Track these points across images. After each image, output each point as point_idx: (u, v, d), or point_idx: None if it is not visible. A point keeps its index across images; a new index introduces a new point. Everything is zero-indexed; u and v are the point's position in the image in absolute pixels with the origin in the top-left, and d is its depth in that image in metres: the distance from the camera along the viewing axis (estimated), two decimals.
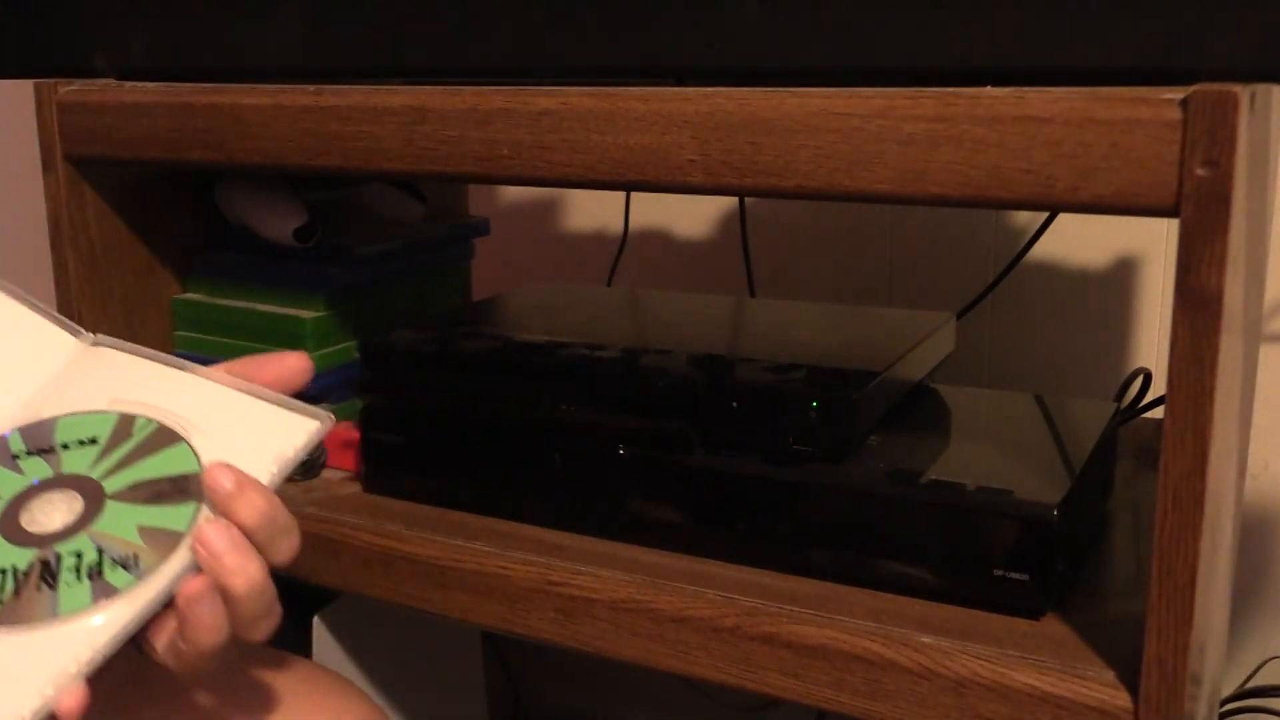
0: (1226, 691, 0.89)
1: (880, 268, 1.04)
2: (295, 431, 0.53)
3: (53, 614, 0.48)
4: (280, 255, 0.81)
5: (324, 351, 0.81)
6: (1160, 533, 0.47)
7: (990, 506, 0.56)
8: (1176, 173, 0.44)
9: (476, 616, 0.65)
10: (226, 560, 0.49)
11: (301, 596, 0.81)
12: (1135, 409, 0.82)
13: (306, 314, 0.80)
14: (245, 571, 0.49)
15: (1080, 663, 0.52)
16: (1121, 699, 0.50)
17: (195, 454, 0.52)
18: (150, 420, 0.54)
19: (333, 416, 0.53)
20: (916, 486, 0.58)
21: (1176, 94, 0.44)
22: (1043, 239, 0.88)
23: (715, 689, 0.86)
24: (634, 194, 1.07)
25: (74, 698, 0.46)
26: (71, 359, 0.57)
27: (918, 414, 0.70)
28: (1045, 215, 0.89)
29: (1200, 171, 0.44)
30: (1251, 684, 0.92)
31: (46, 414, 0.54)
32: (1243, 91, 0.43)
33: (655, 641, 0.60)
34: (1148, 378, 0.83)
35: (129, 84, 0.72)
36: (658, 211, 1.12)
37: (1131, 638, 0.50)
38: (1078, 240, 0.96)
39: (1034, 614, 0.56)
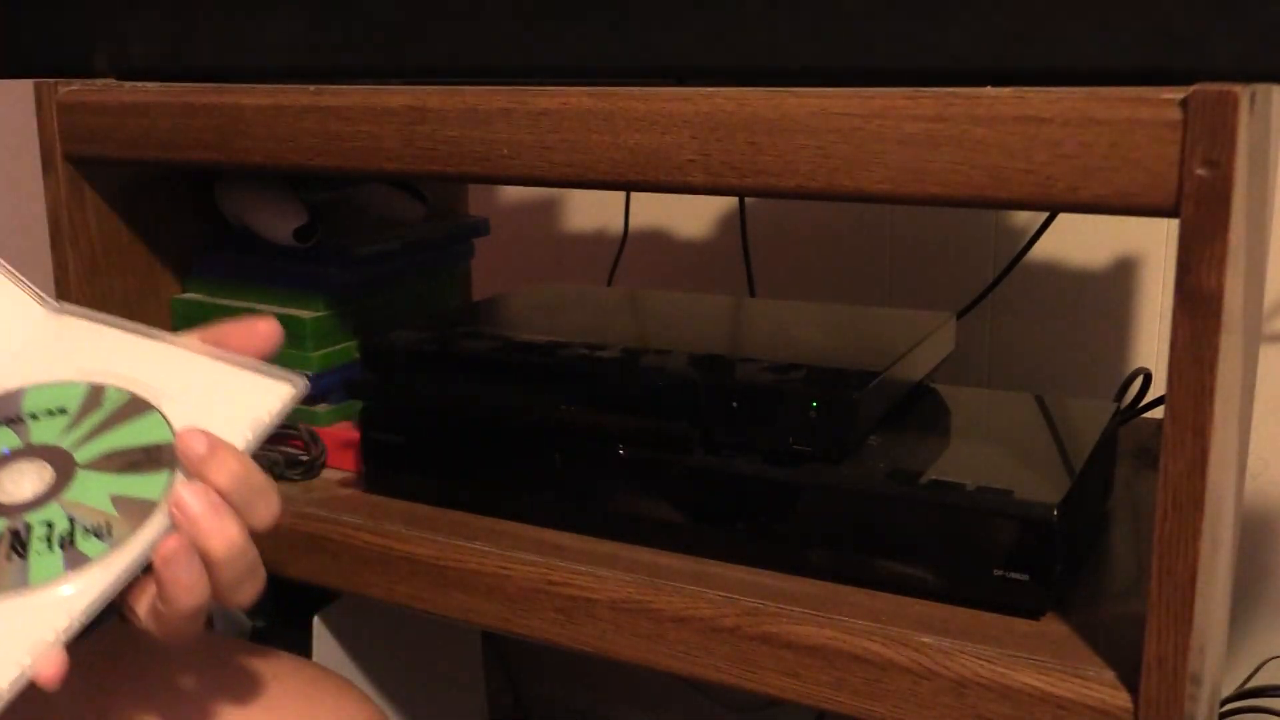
0: (1226, 691, 0.89)
1: (880, 268, 1.04)
2: (270, 396, 0.52)
3: (24, 583, 0.48)
4: (280, 255, 0.81)
5: (324, 351, 0.81)
6: (1160, 533, 0.47)
7: (990, 506, 0.56)
8: (1176, 173, 0.44)
9: (476, 616, 0.65)
10: (203, 522, 0.48)
11: (301, 596, 0.81)
12: (1135, 409, 0.82)
13: (306, 314, 0.80)
14: (223, 533, 0.48)
15: (1080, 663, 0.52)
16: (1121, 699, 0.50)
17: (168, 422, 0.52)
18: (121, 390, 0.53)
19: (306, 381, 0.53)
20: (916, 486, 0.58)
21: (1176, 94, 0.44)
22: (1043, 239, 0.88)
23: (715, 689, 0.86)
24: (634, 194, 1.07)
25: (53, 665, 0.45)
26: (39, 328, 0.56)
27: (918, 414, 0.70)
28: (1045, 215, 0.89)
29: (1200, 171, 0.44)
30: (1251, 684, 0.92)
31: (14, 384, 0.54)
32: (1243, 91, 0.43)
33: (655, 641, 0.60)
34: (1148, 378, 0.83)
35: (129, 84, 0.72)
36: (658, 211, 1.12)
37: (1131, 638, 0.50)
38: (1078, 240, 0.96)
39: (1034, 614, 0.56)
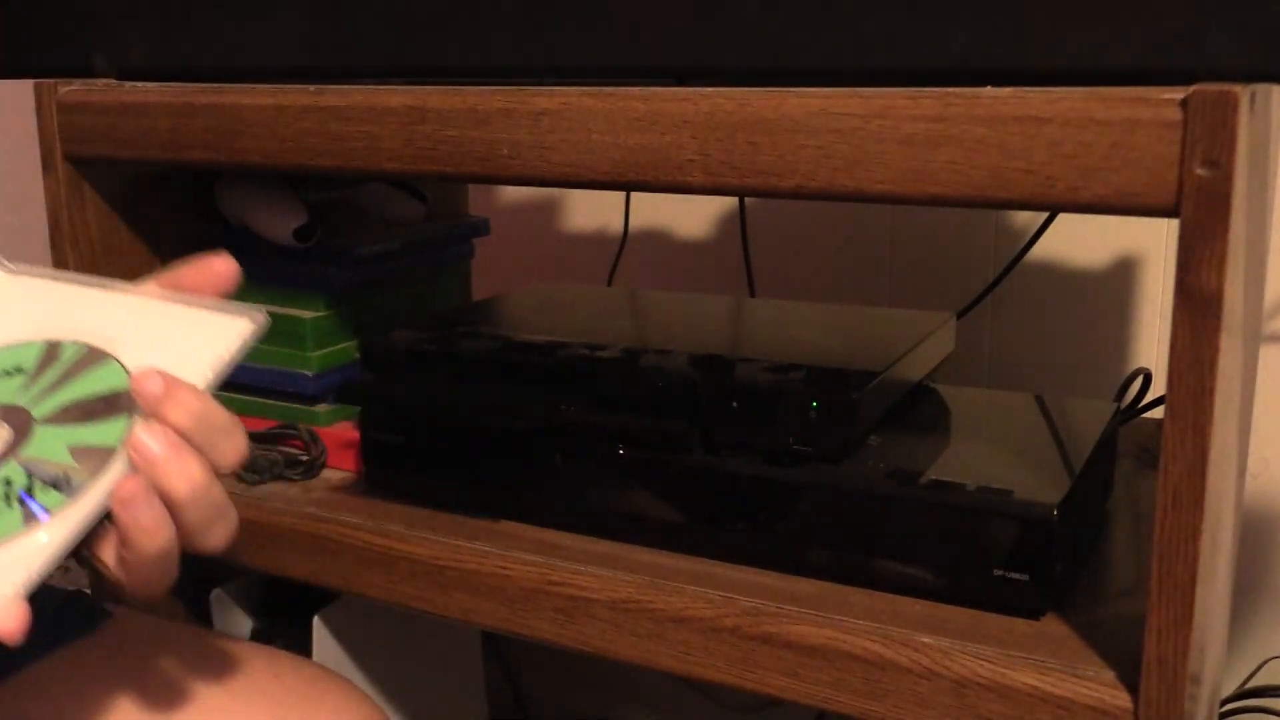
0: (1226, 691, 0.89)
1: (880, 268, 1.04)
2: (228, 333, 0.51)
3: None
4: (280, 255, 0.81)
5: (324, 351, 0.81)
6: (1160, 533, 0.47)
7: (990, 506, 0.56)
8: (1176, 173, 0.44)
9: (476, 616, 0.65)
10: (163, 463, 0.46)
11: (301, 596, 0.81)
12: (1135, 409, 0.82)
13: (306, 314, 0.80)
14: (185, 473, 0.47)
15: (1080, 663, 0.52)
16: (1121, 699, 0.50)
17: (125, 369, 0.51)
18: (78, 343, 0.52)
19: (265, 315, 0.52)
20: (916, 486, 0.58)
21: (1176, 94, 0.44)
22: (1043, 239, 0.88)
23: (715, 689, 0.86)
24: (634, 194, 1.07)
25: (15, 619, 0.44)
26: None
27: (918, 414, 0.70)
28: (1045, 215, 0.89)
29: (1200, 171, 0.44)
30: (1251, 684, 0.92)
31: None
32: (1243, 91, 0.43)
33: (655, 641, 0.60)
34: (1148, 378, 0.83)
35: (129, 84, 0.72)
36: (658, 211, 1.12)
37: (1131, 638, 0.50)
38: (1078, 240, 0.96)
39: (1034, 614, 0.56)
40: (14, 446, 0.50)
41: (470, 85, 0.60)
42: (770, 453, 0.62)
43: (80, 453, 0.49)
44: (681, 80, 0.58)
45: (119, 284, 0.54)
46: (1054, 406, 0.72)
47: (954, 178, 0.49)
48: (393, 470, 0.73)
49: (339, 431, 0.78)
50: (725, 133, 0.53)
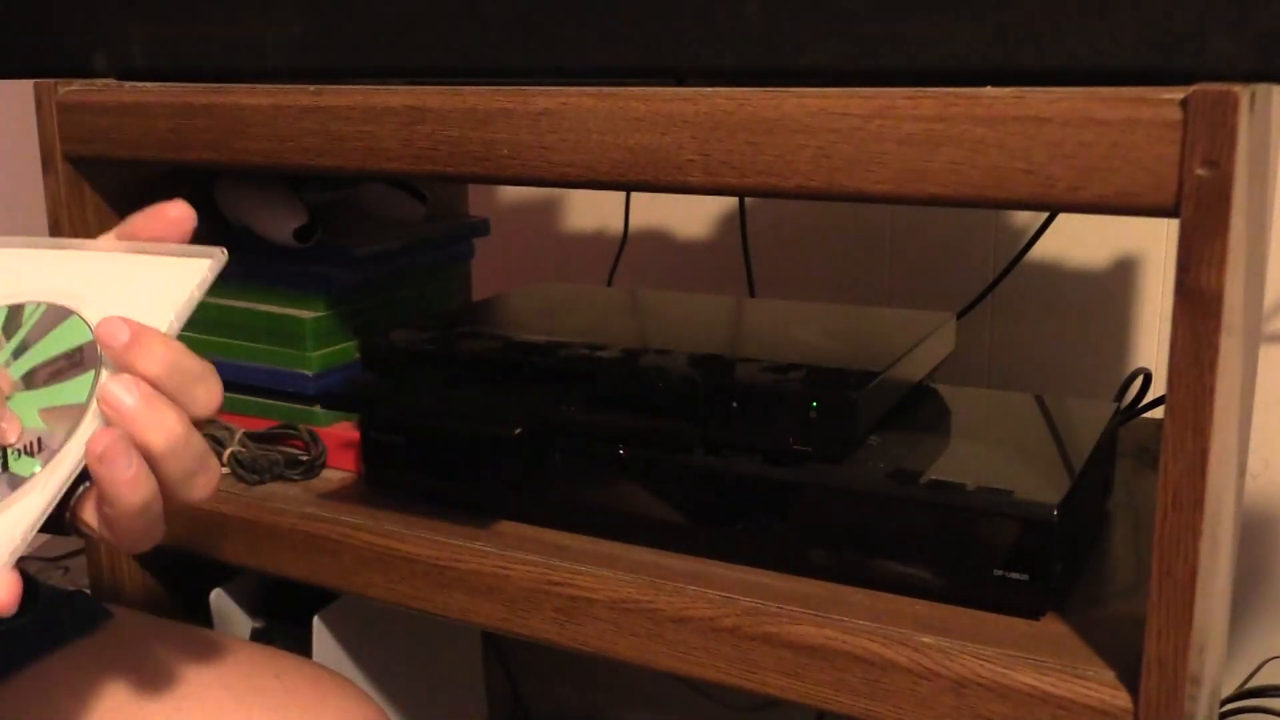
0: (1226, 691, 0.89)
1: (880, 268, 1.04)
2: (189, 275, 0.49)
3: None
4: (280, 255, 0.81)
5: (324, 351, 0.81)
6: (1160, 533, 0.47)
7: (990, 506, 0.56)
8: (1176, 173, 0.44)
9: (476, 616, 0.65)
10: (138, 416, 0.45)
11: (301, 596, 0.81)
12: (1135, 409, 0.82)
13: (306, 314, 0.80)
14: (162, 425, 0.45)
15: (1080, 663, 0.52)
16: (1121, 699, 0.50)
17: (86, 324, 0.49)
18: (37, 304, 0.51)
19: (224, 251, 0.49)
20: (916, 486, 0.58)
21: (1176, 94, 0.44)
22: (1043, 239, 0.88)
23: (715, 689, 0.86)
24: (634, 194, 1.07)
25: (6, 589, 0.42)
26: None
27: (918, 414, 0.70)
28: (1045, 215, 0.89)
29: (1200, 171, 0.44)
30: (1251, 684, 0.92)
31: None
32: (1243, 91, 0.43)
33: (655, 641, 0.60)
34: (1148, 378, 0.83)
35: (129, 84, 0.72)
36: (658, 211, 1.12)
37: (1131, 638, 0.50)
38: (1078, 240, 0.96)
39: (1034, 614, 0.56)
40: None
41: (470, 85, 0.60)
42: (770, 453, 0.62)
43: (50, 414, 0.47)
44: (681, 80, 0.58)
45: (75, 241, 0.53)
46: (1054, 406, 0.72)
47: (954, 178, 0.49)
48: (393, 470, 0.73)
49: (339, 431, 0.78)
50: (725, 133, 0.53)
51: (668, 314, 0.81)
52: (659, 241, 1.13)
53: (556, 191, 1.20)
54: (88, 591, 0.81)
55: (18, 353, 0.50)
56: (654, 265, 1.13)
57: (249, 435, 0.78)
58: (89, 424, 0.47)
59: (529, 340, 0.71)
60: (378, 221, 0.89)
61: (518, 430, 0.61)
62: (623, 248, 1.07)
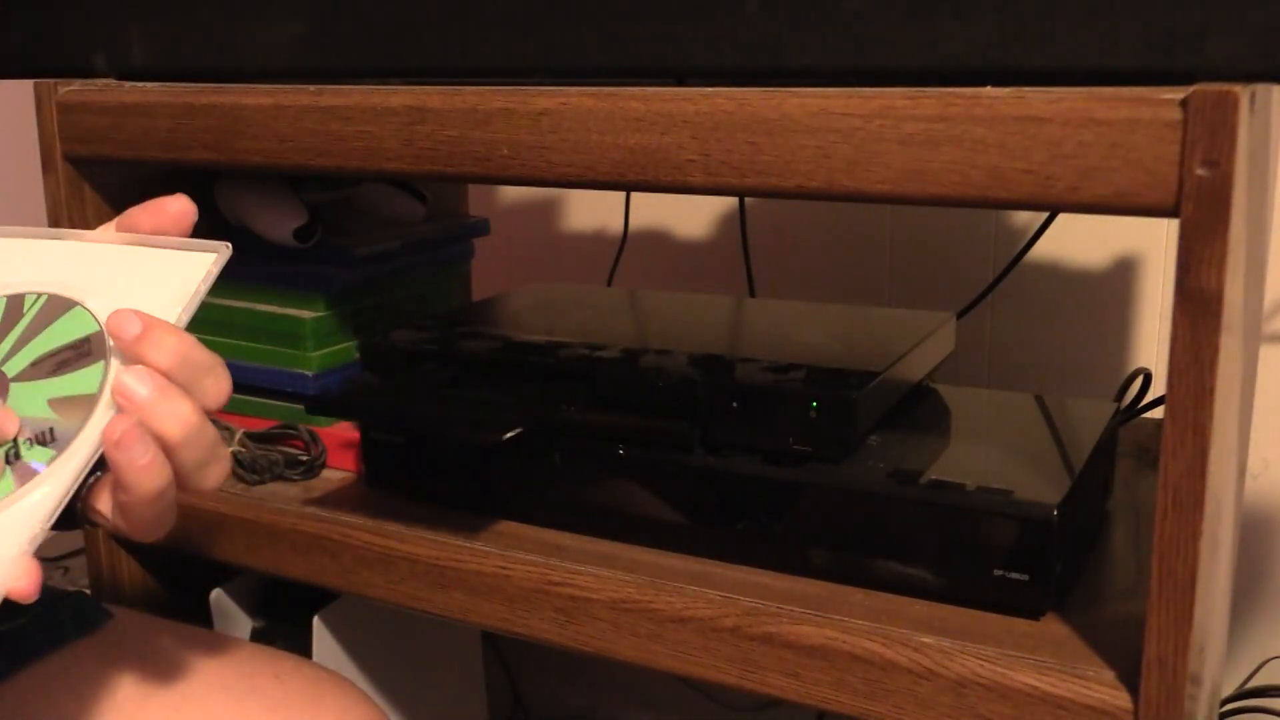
0: (1226, 691, 0.89)
1: (880, 268, 1.04)
2: (194, 268, 0.50)
3: None
4: (280, 255, 0.81)
5: (324, 351, 0.81)
6: (1160, 533, 0.47)
7: (990, 506, 0.56)
8: (1176, 173, 0.44)
9: (476, 616, 0.65)
10: (153, 406, 0.45)
11: (301, 596, 0.81)
12: (1135, 409, 0.82)
13: (306, 314, 0.80)
14: (177, 415, 0.45)
15: (1080, 663, 0.52)
16: (1121, 699, 0.50)
17: (92, 315, 0.50)
18: (39, 294, 0.51)
19: (229, 246, 0.50)
20: (916, 486, 0.58)
21: (1176, 94, 0.44)
22: (1043, 239, 0.88)
23: (715, 689, 0.86)
24: (634, 194, 1.07)
25: (27, 576, 0.43)
26: None
27: (918, 414, 0.70)
28: (1045, 215, 0.89)
29: (1200, 171, 0.44)
30: (1251, 684, 0.92)
31: None
32: (1243, 91, 0.43)
33: (655, 641, 0.60)
34: (1148, 378, 0.83)
35: (129, 84, 0.72)
36: (658, 211, 1.12)
37: (1131, 638, 0.50)
38: (1078, 240, 0.95)
39: (1034, 614, 0.56)
40: None
41: (470, 85, 0.60)
42: (770, 453, 0.62)
43: (60, 404, 0.48)
44: (681, 80, 0.58)
45: (73, 232, 0.53)
46: (1054, 406, 0.72)
47: (954, 178, 0.49)
48: (393, 470, 0.73)
49: (339, 431, 0.78)
50: (725, 133, 0.53)
51: (668, 314, 0.81)
52: (659, 241, 1.13)
53: (556, 191, 1.20)
54: (88, 591, 0.81)
55: (20, 343, 0.50)
56: (654, 265, 1.13)
57: (249, 435, 0.78)
58: (102, 414, 0.47)
59: (529, 340, 0.71)
60: (378, 221, 0.89)
61: (506, 436, 0.61)
62: (623, 248, 1.07)
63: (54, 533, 0.46)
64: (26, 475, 0.46)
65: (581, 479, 0.66)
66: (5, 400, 0.48)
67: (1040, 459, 0.62)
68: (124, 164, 0.76)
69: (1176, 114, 0.44)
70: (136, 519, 0.47)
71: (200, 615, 0.84)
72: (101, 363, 0.48)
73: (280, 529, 0.71)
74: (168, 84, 0.71)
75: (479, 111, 0.59)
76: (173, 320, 0.48)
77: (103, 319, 0.49)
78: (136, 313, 0.47)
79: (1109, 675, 0.51)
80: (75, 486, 0.46)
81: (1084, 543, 0.63)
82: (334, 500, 0.73)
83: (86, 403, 0.47)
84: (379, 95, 0.62)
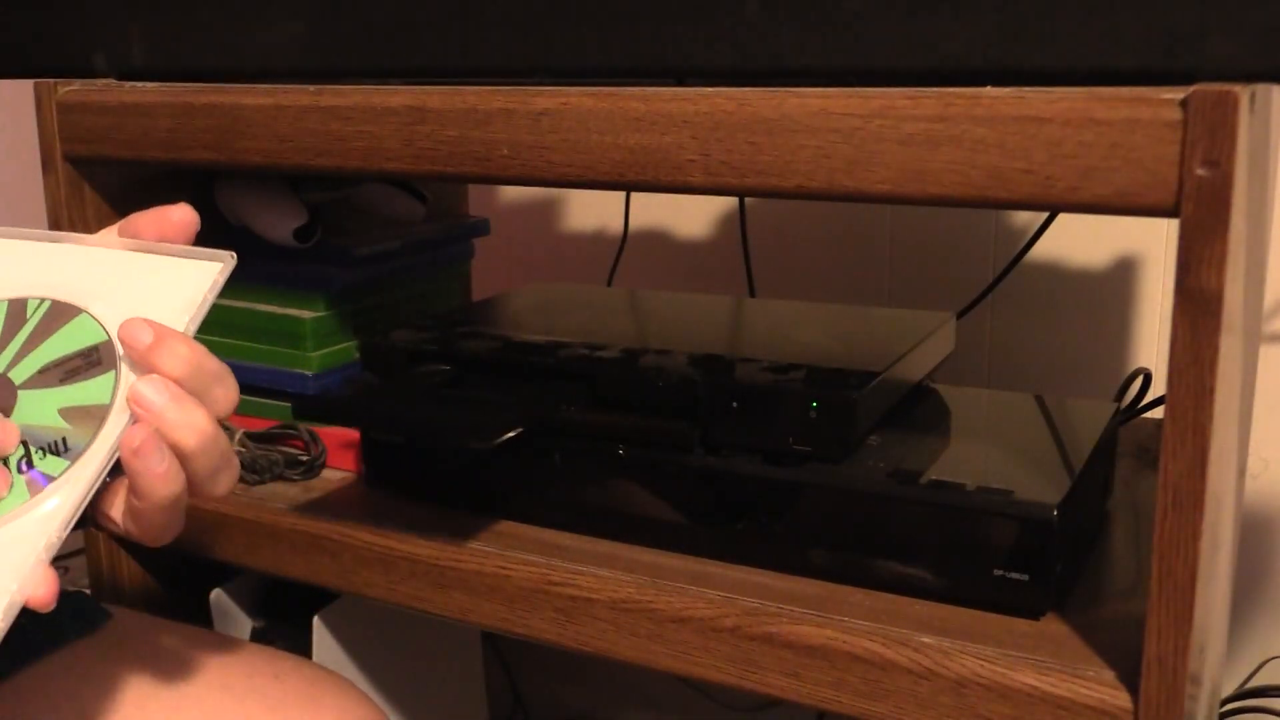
0: (1226, 691, 0.89)
1: (880, 268, 1.04)
2: (200, 277, 0.50)
3: None
4: (280, 255, 0.81)
5: (324, 351, 0.81)
6: (1160, 533, 0.47)
7: (990, 506, 0.56)
8: (1176, 173, 0.44)
9: (476, 616, 0.65)
10: (168, 415, 0.45)
11: (301, 596, 0.81)
12: (1135, 409, 0.82)
13: (306, 314, 0.80)
14: (193, 424, 0.46)
15: (1080, 663, 0.52)
16: (1121, 699, 0.50)
17: (99, 322, 0.49)
18: (42, 299, 0.51)
19: (233, 256, 0.50)
20: (916, 486, 0.58)
21: (1176, 94, 0.44)
22: (1043, 239, 0.88)
23: (715, 689, 0.86)
24: (634, 194, 1.07)
25: (44, 585, 0.43)
26: None
27: (918, 414, 0.70)
28: (1045, 215, 0.89)
29: (1200, 171, 0.44)
30: (1251, 684, 0.92)
31: None
32: (1243, 91, 0.43)
33: (655, 641, 0.60)
34: (1148, 378, 0.83)
35: (129, 84, 0.72)
36: (658, 211, 1.12)
37: (1131, 638, 0.50)
38: (1078, 240, 0.95)
39: (1034, 614, 0.56)
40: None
41: (470, 85, 0.60)
42: (770, 453, 0.62)
43: (71, 413, 0.48)
44: (681, 80, 0.58)
45: (73, 236, 0.53)
46: (1054, 406, 0.72)
47: (954, 178, 0.49)
48: (393, 470, 0.73)
49: (339, 431, 0.78)
50: (725, 133, 0.53)
51: (668, 314, 0.81)
52: (659, 241, 1.13)
53: (556, 191, 1.20)
54: (88, 591, 0.81)
55: (25, 349, 0.50)
56: (654, 265, 1.13)
57: (249, 435, 0.79)
58: (114, 424, 0.47)
59: (529, 340, 0.71)
60: (378, 221, 0.89)
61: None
62: (623, 248, 1.07)
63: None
64: (40, 485, 0.47)
65: (581, 479, 0.66)
66: (14, 408, 0.48)
67: (1040, 459, 0.62)
68: (124, 164, 0.76)
69: (1176, 114, 0.44)
70: (148, 525, 0.47)
71: (200, 615, 0.84)
72: (112, 372, 0.48)
73: (280, 529, 0.71)
74: (168, 84, 0.71)
75: (479, 111, 0.59)
76: (181, 329, 0.48)
77: (109, 326, 0.49)
78: (148, 322, 0.47)
79: (1109, 675, 0.51)
80: (89, 495, 0.46)
81: (1084, 543, 0.63)
82: (334, 500, 0.73)
83: (98, 413, 0.48)
84: (379, 95, 0.62)
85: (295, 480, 0.76)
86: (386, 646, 0.90)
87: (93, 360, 0.49)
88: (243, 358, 0.82)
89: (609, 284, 1.09)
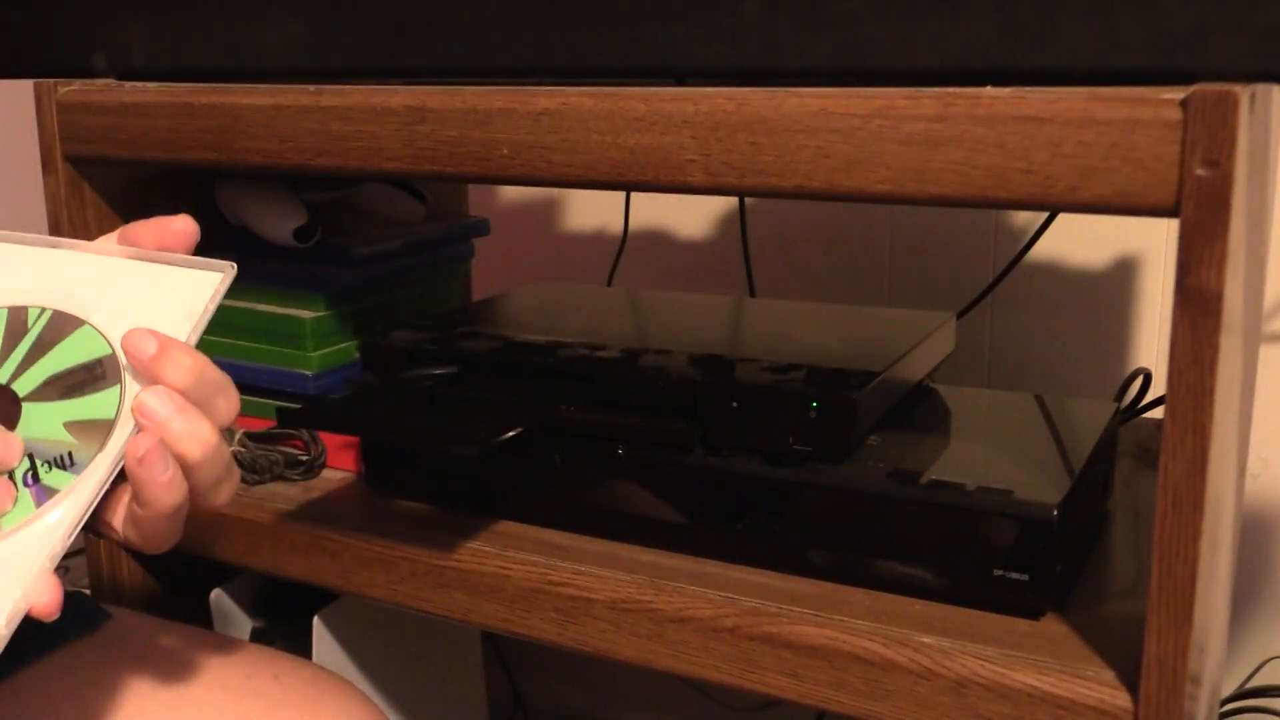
0: (1226, 691, 0.89)
1: (880, 268, 1.04)
2: (201, 287, 0.50)
3: None
4: (280, 255, 0.81)
5: (324, 351, 0.81)
6: (1160, 533, 0.47)
7: (990, 506, 0.56)
8: (1176, 173, 0.44)
9: (476, 616, 0.65)
10: (174, 425, 0.46)
11: (301, 596, 0.81)
12: (1135, 409, 0.82)
13: (306, 314, 0.80)
14: (197, 435, 0.46)
15: (1080, 663, 0.52)
16: (1121, 699, 0.50)
17: (101, 334, 0.50)
18: (43, 308, 0.50)
19: (234, 265, 0.50)
20: (916, 486, 0.58)
21: (1176, 94, 0.44)
22: (1043, 239, 0.88)
23: (715, 689, 0.86)
24: (634, 194, 1.07)
25: (50, 594, 0.44)
26: None
27: (918, 414, 0.70)
28: (1045, 215, 0.89)
29: (1200, 171, 0.44)
30: (1251, 684, 0.92)
31: None
32: (1243, 91, 0.43)
33: (655, 641, 0.60)
34: (1148, 378, 0.83)
35: (129, 84, 0.72)
36: (658, 211, 1.12)
37: (1131, 638, 0.50)
38: (1078, 240, 0.95)
39: (1034, 614, 0.56)
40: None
41: (470, 85, 0.60)
42: (770, 453, 0.62)
43: (76, 427, 0.48)
44: (681, 80, 0.58)
45: (72, 242, 0.52)
46: (1054, 406, 0.72)
47: (954, 178, 0.49)
48: (393, 470, 0.73)
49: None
50: (725, 133, 0.53)
51: (668, 314, 0.81)
52: (659, 241, 1.13)
53: (556, 191, 1.20)
54: (87, 592, 0.81)
55: (27, 360, 0.50)
56: (654, 265, 1.13)
57: (249, 435, 0.79)
58: (119, 438, 0.47)
59: (529, 340, 0.71)
60: (378, 221, 0.89)
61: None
62: (623, 248, 1.07)
63: None
64: (45, 497, 0.47)
65: (581, 479, 0.66)
66: (18, 419, 0.49)
67: (1040, 459, 0.62)
68: (124, 164, 0.76)
69: (1176, 114, 0.44)
70: (150, 533, 0.48)
71: (200, 615, 0.84)
72: (117, 386, 0.48)
73: (280, 529, 0.71)
74: (167, 84, 0.71)
75: (479, 111, 0.59)
76: (183, 339, 0.48)
77: (111, 337, 0.49)
78: (152, 333, 0.47)
79: (1109, 675, 0.51)
80: (93, 506, 0.47)
81: (1084, 543, 0.63)
82: (334, 500, 0.73)
83: (103, 427, 0.48)
84: (379, 95, 0.62)
85: (295, 480, 0.76)
86: (386, 646, 0.90)
87: (97, 374, 0.49)
88: (243, 358, 0.82)
89: (609, 284, 1.09)
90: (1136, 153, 0.45)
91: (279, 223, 0.80)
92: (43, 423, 0.49)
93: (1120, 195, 0.46)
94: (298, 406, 0.71)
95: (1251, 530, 0.94)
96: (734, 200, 1.05)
